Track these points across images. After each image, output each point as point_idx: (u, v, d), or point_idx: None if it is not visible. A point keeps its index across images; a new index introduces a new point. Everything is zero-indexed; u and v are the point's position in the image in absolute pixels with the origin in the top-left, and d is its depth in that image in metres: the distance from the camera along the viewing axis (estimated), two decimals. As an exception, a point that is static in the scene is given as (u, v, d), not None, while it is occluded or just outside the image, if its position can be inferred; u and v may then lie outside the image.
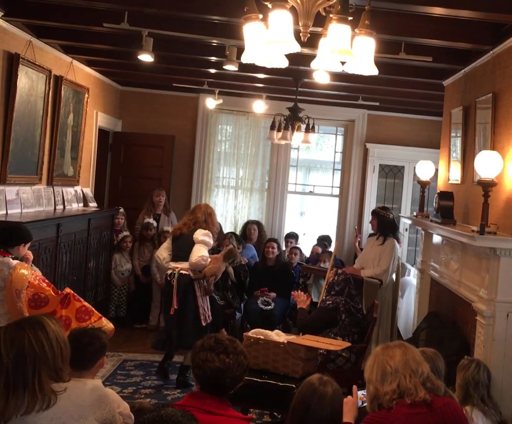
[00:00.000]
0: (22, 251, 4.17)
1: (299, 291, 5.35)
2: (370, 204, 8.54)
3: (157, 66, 6.74)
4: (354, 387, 2.82)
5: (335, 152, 9.24)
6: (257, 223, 8.30)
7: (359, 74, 2.93)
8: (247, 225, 8.22)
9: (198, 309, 5.42)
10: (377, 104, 8.21)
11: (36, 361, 2.30)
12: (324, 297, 5.18)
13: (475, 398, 3.72)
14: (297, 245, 8.08)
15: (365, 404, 2.75)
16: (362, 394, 3.19)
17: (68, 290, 3.87)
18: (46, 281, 3.93)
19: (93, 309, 3.81)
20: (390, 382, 2.47)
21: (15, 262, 3.94)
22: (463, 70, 5.65)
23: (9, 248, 4.07)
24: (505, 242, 4.17)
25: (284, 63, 2.82)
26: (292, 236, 8.35)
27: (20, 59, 5.41)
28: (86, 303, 3.84)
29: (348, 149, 8.97)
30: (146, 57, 5.53)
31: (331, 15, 2.67)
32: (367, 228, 8.06)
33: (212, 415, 2.43)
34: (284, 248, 8.04)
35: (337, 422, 2.64)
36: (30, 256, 4.27)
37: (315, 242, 8.33)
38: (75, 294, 3.87)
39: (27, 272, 3.84)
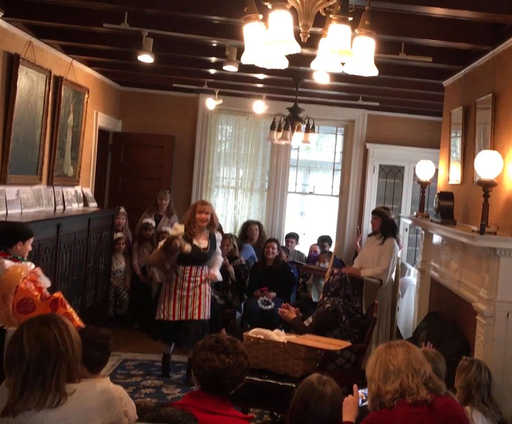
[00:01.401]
0: (23, 250, 4.13)
1: (281, 308, 5.19)
2: (370, 204, 8.54)
3: (157, 66, 6.74)
4: (355, 386, 2.82)
5: (335, 152, 9.24)
6: (258, 224, 8.31)
7: (359, 75, 2.93)
8: (249, 225, 8.22)
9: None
10: (377, 104, 8.21)
11: (58, 360, 2.26)
12: (321, 299, 5.16)
13: (477, 399, 3.72)
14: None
15: (365, 403, 2.75)
16: (362, 393, 3.19)
17: (57, 294, 3.83)
18: (38, 285, 3.85)
19: (74, 317, 3.74)
20: (393, 381, 2.47)
21: (9, 264, 3.89)
22: (463, 70, 5.65)
23: (8, 248, 4.05)
24: (505, 242, 4.17)
25: (284, 64, 2.82)
26: (293, 236, 8.36)
27: (20, 60, 5.41)
28: (70, 310, 3.79)
29: (348, 149, 8.97)
30: (146, 58, 5.53)
31: (331, 16, 2.67)
32: (367, 228, 8.06)
33: (212, 415, 2.43)
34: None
35: (336, 421, 2.65)
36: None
37: (315, 242, 8.32)
38: (63, 299, 3.83)
39: (21, 275, 3.77)
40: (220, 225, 8.07)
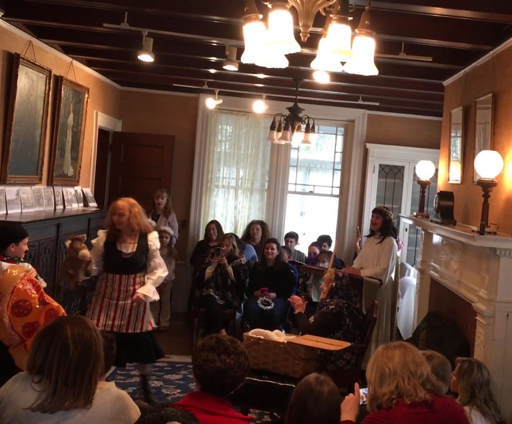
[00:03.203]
0: (18, 251, 4.10)
1: (294, 295, 5.25)
2: (370, 204, 8.54)
3: (157, 66, 6.74)
4: (356, 385, 2.82)
5: (335, 152, 9.23)
6: (261, 223, 8.30)
7: (359, 74, 2.93)
8: (251, 225, 8.22)
9: None
10: (377, 104, 8.21)
11: (95, 362, 2.25)
12: (325, 300, 5.10)
13: (479, 399, 3.70)
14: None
15: (365, 403, 2.75)
16: (363, 392, 3.18)
17: (55, 304, 3.79)
18: (37, 284, 3.81)
19: None
20: (388, 384, 2.47)
21: (6, 265, 3.88)
22: (463, 70, 5.65)
23: (3, 251, 4.03)
24: (505, 242, 4.17)
25: (284, 63, 2.82)
26: (292, 236, 8.36)
27: (20, 59, 5.41)
28: None
29: (348, 149, 8.97)
30: (146, 57, 5.53)
31: (331, 15, 2.67)
32: (367, 228, 8.05)
33: (212, 415, 2.43)
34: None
35: (333, 421, 2.64)
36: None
37: (314, 241, 8.31)
38: (61, 309, 3.81)
39: (18, 277, 3.74)
40: (219, 225, 8.11)
